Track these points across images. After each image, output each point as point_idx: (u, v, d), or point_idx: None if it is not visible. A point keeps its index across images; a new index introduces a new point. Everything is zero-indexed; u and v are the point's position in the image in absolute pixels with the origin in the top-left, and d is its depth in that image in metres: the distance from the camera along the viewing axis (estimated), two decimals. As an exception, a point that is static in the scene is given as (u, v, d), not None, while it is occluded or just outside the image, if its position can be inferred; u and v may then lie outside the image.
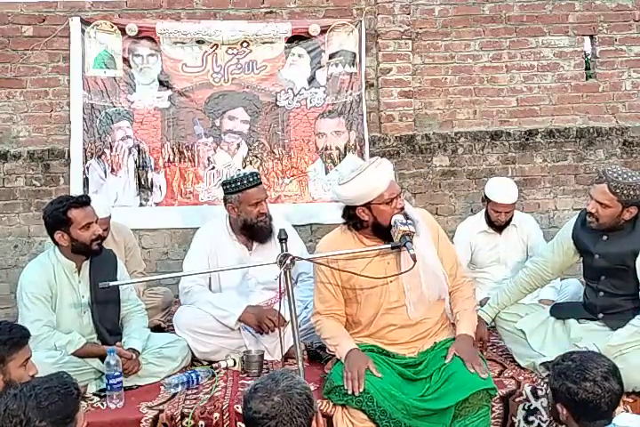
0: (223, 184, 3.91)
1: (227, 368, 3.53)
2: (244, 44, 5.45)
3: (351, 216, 3.10)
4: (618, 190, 3.13)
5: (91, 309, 3.39)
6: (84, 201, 3.33)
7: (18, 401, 1.83)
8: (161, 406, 3.11)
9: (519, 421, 3.16)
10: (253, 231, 3.85)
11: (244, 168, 5.41)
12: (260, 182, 3.88)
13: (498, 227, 4.43)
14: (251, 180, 3.81)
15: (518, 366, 3.45)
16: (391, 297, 3.09)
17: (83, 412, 1.96)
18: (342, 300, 3.16)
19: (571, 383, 2.13)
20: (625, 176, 3.14)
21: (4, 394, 1.89)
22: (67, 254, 3.36)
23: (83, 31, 5.32)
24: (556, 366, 2.22)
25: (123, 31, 5.33)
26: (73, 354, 3.25)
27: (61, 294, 3.35)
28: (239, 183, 3.80)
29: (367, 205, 3.03)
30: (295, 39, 5.47)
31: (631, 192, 3.13)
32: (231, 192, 3.83)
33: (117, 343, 3.35)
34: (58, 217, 3.26)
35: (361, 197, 3.02)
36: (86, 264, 3.40)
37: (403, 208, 3.03)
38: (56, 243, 3.34)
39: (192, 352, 3.65)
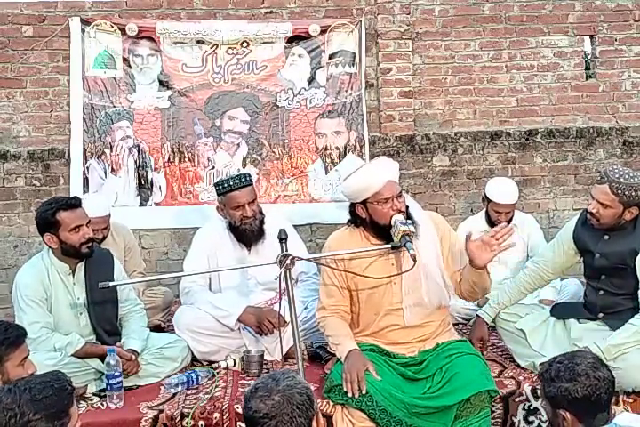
0: (214, 185, 3.90)
1: (227, 368, 3.53)
2: (244, 44, 5.45)
3: (353, 213, 3.11)
4: (619, 191, 3.13)
5: (87, 310, 3.38)
6: (73, 203, 3.29)
7: (12, 395, 1.82)
8: (161, 406, 3.11)
9: (519, 421, 3.16)
10: (238, 233, 3.83)
11: (244, 168, 5.41)
12: (248, 185, 3.78)
13: (498, 227, 4.42)
14: (237, 182, 3.75)
15: (518, 366, 3.44)
16: (393, 299, 3.09)
17: (77, 409, 1.95)
18: (348, 296, 3.16)
19: (567, 383, 2.13)
20: (627, 177, 3.14)
21: None
22: (59, 257, 3.34)
23: (83, 31, 5.32)
24: (545, 374, 2.21)
25: (123, 31, 5.33)
26: (73, 355, 3.25)
27: (56, 295, 3.34)
28: (226, 185, 3.77)
29: (364, 203, 3.04)
30: (295, 39, 5.47)
31: (632, 193, 3.13)
32: (218, 193, 3.83)
33: (117, 344, 3.34)
34: (47, 219, 3.24)
35: (357, 193, 3.03)
36: (81, 266, 3.38)
37: (401, 210, 3.00)
38: (47, 245, 3.32)
39: (192, 352, 3.65)
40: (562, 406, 2.16)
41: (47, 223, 3.25)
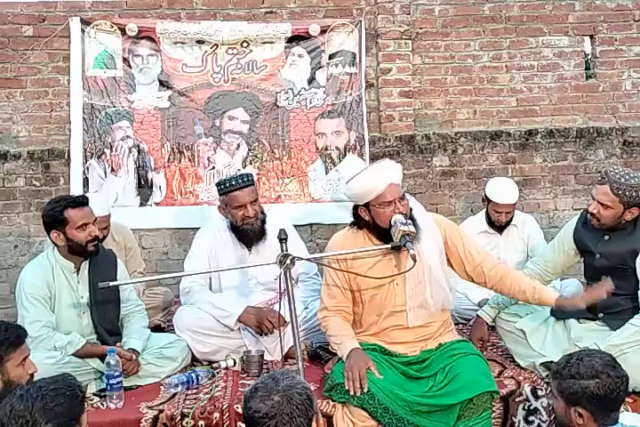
0: (216, 185, 3.90)
1: (227, 368, 3.53)
2: (244, 44, 5.45)
3: (356, 215, 3.11)
4: (620, 192, 3.13)
5: (90, 309, 3.39)
6: (81, 201, 3.32)
7: (24, 402, 1.83)
8: (161, 406, 3.10)
9: (519, 421, 3.16)
10: (240, 233, 3.83)
11: (244, 168, 5.41)
12: (250, 185, 3.78)
13: (498, 227, 4.43)
14: (239, 181, 3.75)
15: (518, 366, 3.44)
16: (397, 300, 3.09)
17: (87, 415, 1.96)
18: (350, 297, 3.16)
19: (587, 380, 2.13)
20: (627, 177, 3.14)
21: (6, 394, 1.89)
22: (64, 255, 3.36)
23: (83, 31, 5.32)
24: (564, 371, 2.20)
25: (123, 31, 5.34)
26: (73, 354, 3.25)
27: (60, 294, 3.35)
28: (227, 184, 3.76)
29: (367, 206, 3.04)
30: (295, 39, 5.47)
31: (633, 193, 3.13)
32: (220, 193, 3.83)
33: (118, 344, 3.34)
34: (54, 216, 3.26)
35: (360, 196, 3.03)
36: (85, 264, 3.40)
37: (403, 213, 2.99)
38: (53, 242, 3.34)
39: (192, 352, 3.65)
40: (579, 404, 2.16)
41: (54, 220, 3.27)
